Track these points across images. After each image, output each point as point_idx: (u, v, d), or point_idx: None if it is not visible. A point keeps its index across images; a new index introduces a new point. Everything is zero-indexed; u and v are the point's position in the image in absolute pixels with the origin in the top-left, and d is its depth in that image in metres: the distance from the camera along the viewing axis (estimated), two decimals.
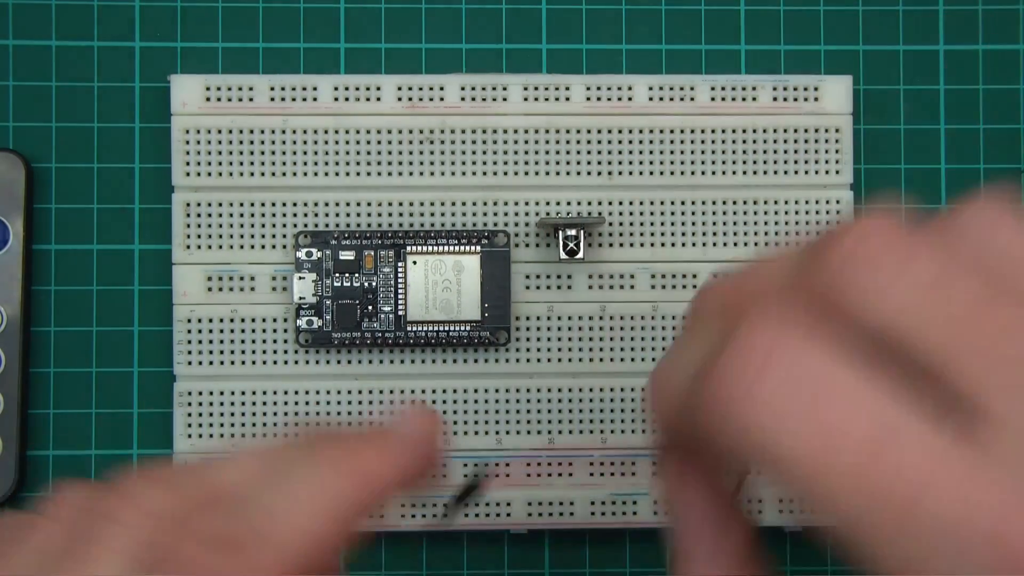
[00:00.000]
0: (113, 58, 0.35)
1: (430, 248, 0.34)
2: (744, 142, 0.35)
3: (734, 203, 0.35)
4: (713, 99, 0.35)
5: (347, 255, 0.34)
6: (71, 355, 0.35)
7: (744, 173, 0.35)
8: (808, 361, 0.14)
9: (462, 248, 0.34)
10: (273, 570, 0.17)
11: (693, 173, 0.35)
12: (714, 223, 0.35)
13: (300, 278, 0.34)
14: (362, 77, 0.35)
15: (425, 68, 0.36)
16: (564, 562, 0.35)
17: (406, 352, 0.35)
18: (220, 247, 0.34)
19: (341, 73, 0.36)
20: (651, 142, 0.35)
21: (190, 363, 0.34)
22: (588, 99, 0.35)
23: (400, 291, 0.34)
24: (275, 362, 0.34)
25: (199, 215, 0.34)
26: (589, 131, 0.35)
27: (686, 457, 0.19)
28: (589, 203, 0.35)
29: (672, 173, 0.35)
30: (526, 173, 0.35)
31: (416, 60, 0.36)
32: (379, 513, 0.34)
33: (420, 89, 0.35)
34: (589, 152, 0.35)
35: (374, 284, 0.34)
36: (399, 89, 0.35)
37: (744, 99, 0.35)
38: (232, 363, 0.34)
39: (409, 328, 0.34)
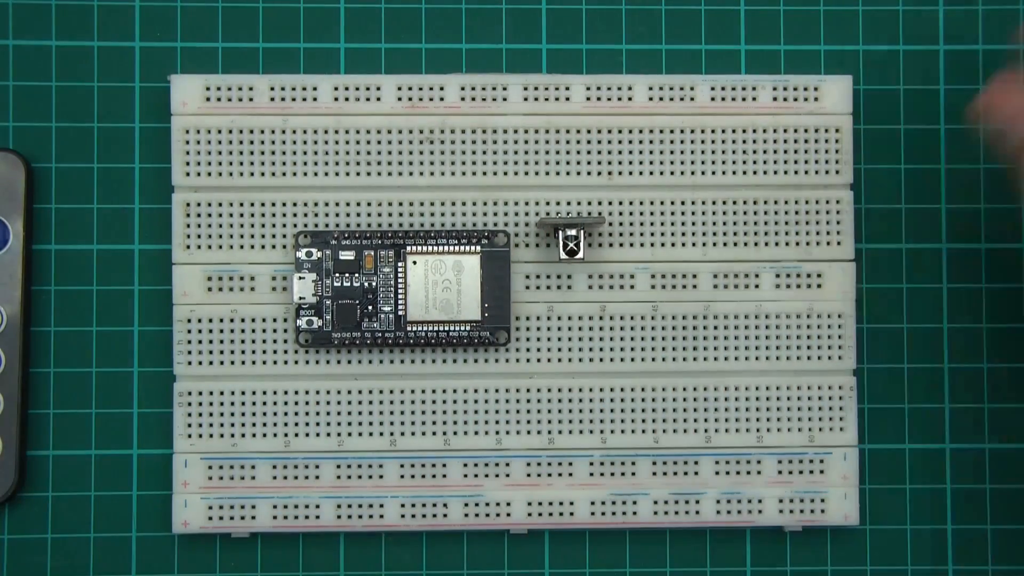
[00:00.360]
0: (113, 58, 0.36)
1: (430, 248, 0.34)
2: (744, 142, 0.35)
3: (734, 203, 0.35)
4: (713, 99, 0.35)
5: (347, 255, 0.34)
6: (71, 355, 0.35)
7: (744, 173, 0.35)
8: None
9: (462, 248, 0.34)
10: None
11: (693, 173, 0.35)
12: (714, 223, 0.35)
13: (300, 278, 0.34)
14: (362, 77, 0.35)
15: (425, 68, 0.36)
16: (564, 562, 0.35)
17: (406, 352, 0.35)
18: (220, 247, 0.34)
19: (341, 73, 0.36)
20: (651, 142, 0.35)
21: (190, 363, 0.34)
22: (588, 99, 0.35)
23: (400, 291, 0.34)
24: (275, 362, 0.34)
25: (199, 215, 0.34)
26: (589, 131, 0.35)
27: None
28: (589, 203, 0.35)
29: (672, 173, 0.35)
30: (526, 173, 0.35)
31: (416, 60, 0.36)
32: (379, 513, 0.34)
33: (420, 89, 0.35)
34: (589, 152, 0.35)
35: (374, 284, 0.34)
36: (399, 89, 0.35)
37: (744, 99, 0.35)
38: (232, 363, 0.34)
39: (409, 328, 0.34)
